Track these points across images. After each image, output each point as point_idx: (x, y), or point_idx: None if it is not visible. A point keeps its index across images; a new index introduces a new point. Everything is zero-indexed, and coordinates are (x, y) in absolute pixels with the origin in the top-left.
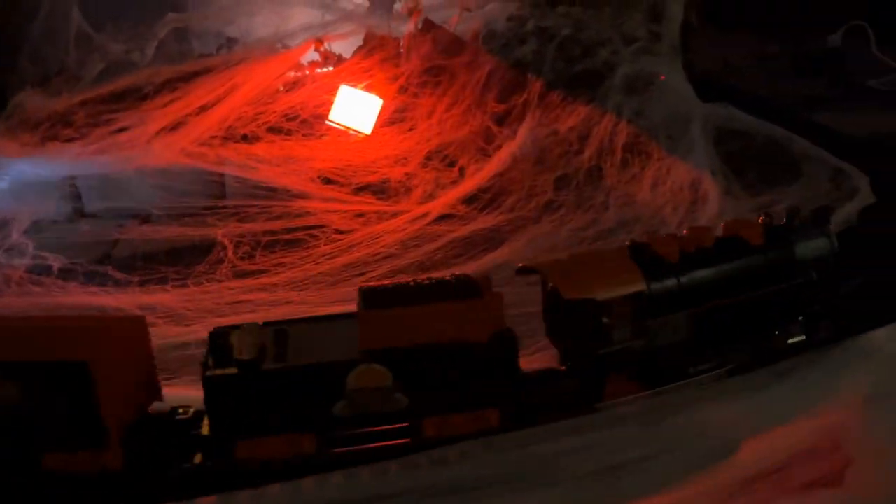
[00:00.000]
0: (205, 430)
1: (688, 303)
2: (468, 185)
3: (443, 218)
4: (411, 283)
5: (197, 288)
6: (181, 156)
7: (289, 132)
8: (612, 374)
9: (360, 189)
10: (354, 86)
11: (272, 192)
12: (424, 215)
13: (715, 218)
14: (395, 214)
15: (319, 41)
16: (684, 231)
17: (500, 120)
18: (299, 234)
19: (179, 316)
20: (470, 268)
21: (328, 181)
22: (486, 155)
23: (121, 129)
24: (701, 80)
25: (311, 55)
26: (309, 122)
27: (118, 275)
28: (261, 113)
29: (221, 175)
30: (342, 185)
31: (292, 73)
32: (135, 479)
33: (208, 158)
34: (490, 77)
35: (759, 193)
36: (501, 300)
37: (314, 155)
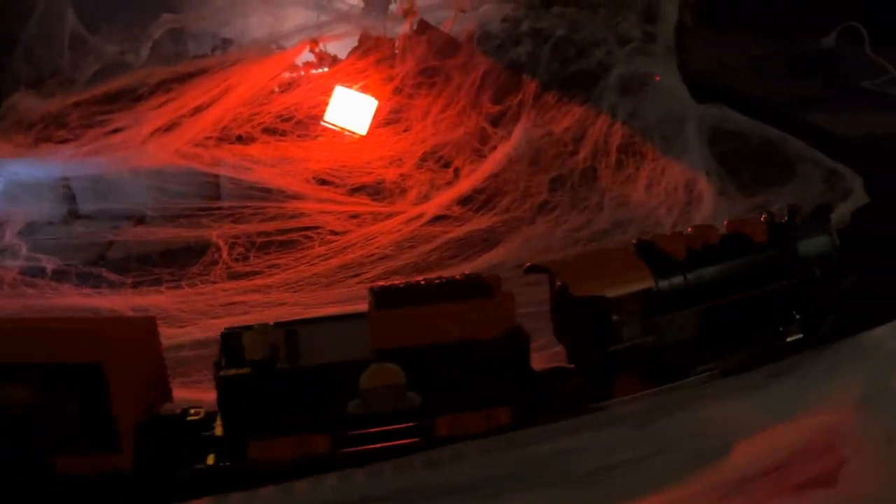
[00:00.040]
0: (218, 430)
1: (695, 300)
2: (463, 186)
3: (438, 219)
4: (422, 283)
5: (191, 289)
6: (176, 157)
7: (284, 133)
8: (619, 372)
9: (355, 190)
10: (349, 87)
11: (267, 193)
12: (419, 216)
13: (709, 218)
14: (390, 215)
15: (314, 42)
16: (689, 229)
17: (495, 121)
18: (294, 236)
19: (173, 318)
20: (465, 269)
21: (323, 182)
22: (481, 156)
23: (115, 131)
24: (695, 80)
25: (307, 56)
26: (304, 122)
27: (112, 276)
28: (256, 114)
29: (216, 176)
30: (337, 186)
31: (287, 74)
32: (147, 481)
33: (203, 159)
34: (485, 78)
35: (754, 194)
36: (513, 299)
37: (309, 156)
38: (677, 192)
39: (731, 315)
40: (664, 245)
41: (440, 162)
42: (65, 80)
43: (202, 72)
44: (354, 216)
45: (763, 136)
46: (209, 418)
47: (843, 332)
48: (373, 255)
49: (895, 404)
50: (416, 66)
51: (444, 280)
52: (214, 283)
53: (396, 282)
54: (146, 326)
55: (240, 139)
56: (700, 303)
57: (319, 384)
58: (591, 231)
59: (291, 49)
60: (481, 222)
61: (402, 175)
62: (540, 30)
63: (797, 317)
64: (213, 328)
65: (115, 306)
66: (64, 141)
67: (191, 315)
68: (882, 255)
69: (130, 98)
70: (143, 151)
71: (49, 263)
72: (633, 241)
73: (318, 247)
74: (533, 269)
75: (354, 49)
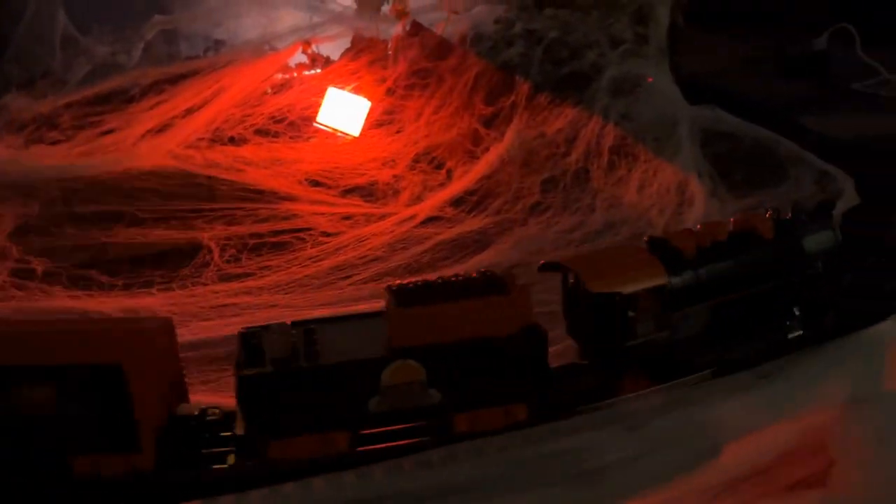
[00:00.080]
0: (238, 430)
1: (706, 295)
2: (455, 188)
3: (430, 220)
4: (438, 281)
5: (182, 291)
6: (168, 158)
7: (276, 134)
8: (630, 369)
9: (348, 191)
10: (342, 88)
11: (259, 194)
12: (412, 218)
13: (701, 220)
14: (382, 217)
15: (307, 43)
16: (698, 226)
17: (488, 122)
18: (286, 237)
19: None
20: (457, 270)
21: (315, 183)
22: (473, 157)
23: (107, 132)
24: (688, 82)
25: (299, 57)
26: (296, 124)
27: (103, 278)
28: (248, 115)
29: (208, 177)
30: (329, 188)
31: (280, 76)
32: (168, 481)
33: (195, 161)
34: (477, 79)
35: (746, 195)
36: (529, 295)
37: (301, 157)
38: (669, 193)
39: (738, 311)
40: (676, 242)
41: (433, 163)
42: (56, 81)
43: (194, 73)
44: (347, 217)
45: (755, 137)
46: (228, 418)
47: (840, 330)
48: (365, 256)
49: (885, 405)
50: (409, 67)
51: (460, 277)
52: (206, 285)
53: (413, 280)
54: (164, 327)
55: (232, 140)
56: (710, 299)
57: (340, 382)
58: (584, 232)
59: (284, 50)
60: (473, 223)
61: (394, 176)
62: (532, 31)
63: (797, 313)
64: (204, 330)
65: (105, 309)
66: (55, 142)
67: (182, 317)
68: (872, 256)
69: (122, 99)
70: (134, 153)
71: (39, 266)
72: (645, 238)
73: (311, 248)
74: (546, 267)
75: (347, 50)
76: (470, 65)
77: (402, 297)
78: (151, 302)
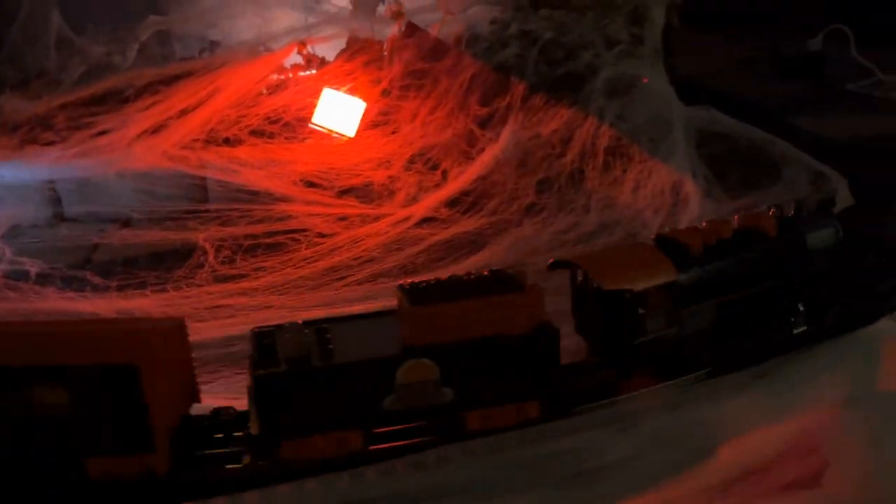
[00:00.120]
0: (252, 430)
1: (713, 292)
2: (451, 189)
3: (425, 221)
4: (450, 279)
5: (176, 293)
6: (163, 159)
7: (271, 135)
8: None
9: (343, 192)
10: (337, 89)
11: (254, 195)
12: (407, 219)
13: (696, 221)
14: (377, 218)
15: (302, 44)
16: (703, 223)
17: (483, 123)
18: (281, 238)
19: None
20: (452, 271)
21: (311, 184)
22: (468, 158)
23: (101, 133)
24: (683, 83)
25: (294, 58)
26: (292, 125)
27: (96, 280)
28: (243, 116)
29: (203, 178)
30: (325, 189)
31: (275, 76)
32: (182, 482)
33: (190, 162)
34: (473, 80)
35: (741, 196)
36: (542, 292)
37: (297, 158)
38: (664, 194)
39: (744, 307)
40: (683, 239)
41: (428, 164)
42: (51, 81)
43: (189, 74)
44: (342, 218)
45: (750, 138)
46: (241, 418)
47: (836, 330)
48: (360, 257)
49: (878, 405)
50: (405, 68)
51: (471, 275)
52: (200, 286)
53: (425, 279)
54: (177, 327)
55: (227, 141)
56: (718, 295)
57: (354, 381)
58: (578, 233)
59: (279, 51)
60: (468, 224)
61: (390, 177)
62: (528, 32)
63: (801, 309)
64: (198, 332)
65: (98, 310)
66: (50, 143)
67: None
68: (866, 257)
69: (117, 100)
70: (129, 154)
71: (33, 267)
72: (652, 236)
73: (305, 249)
74: (556, 265)
75: (342, 51)
76: (465, 66)
77: (415, 295)
78: (145, 303)
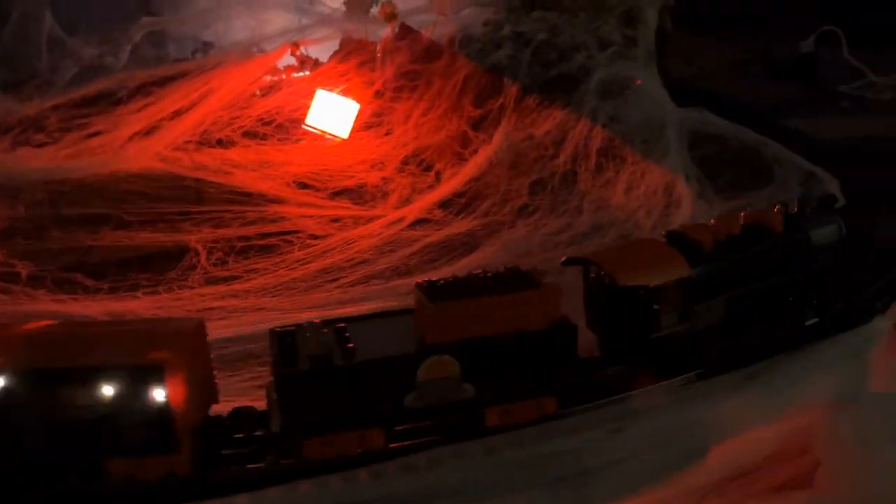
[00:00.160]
0: (273, 429)
1: (725, 287)
2: (444, 190)
3: (418, 223)
4: (467, 277)
5: (168, 295)
6: (156, 161)
7: (264, 137)
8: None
9: (336, 194)
10: (331, 90)
11: (247, 197)
12: (400, 220)
13: (688, 221)
14: (370, 219)
15: (296, 45)
16: (712, 220)
17: (477, 124)
18: (273, 240)
19: None
20: (445, 273)
21: (304, 186)
22: (462, 159)
23: (94, 134)
24: (676, 84)
25: (288, 59)
26: (285, 126)
27: (88, 281)
28: (236, 117)
29: (196, 180)
30: (318, 190)
31: (268, 78)
32: (205, 482)
33: (183, 163)
34: (466, 82)
35: (733, 197)
36: (559, 289)
37: (290, 159)
38: (657, 195)
39: (753, 302)
40: (694, 235)
41: (422, 165)
42: (43, 82)
43: (182, 75)
44: (335, 220)
45: (742, 139)
46: (262, 418)
47: (827, 330)
48: (352, 259)
49: (869, 406)
50: (398, 69)
51: (488, 273)
52: (192, 287)
53: (444, 278)
54: (197, 328)
55: (220, 143)
56: (729, 290)
57: (376, 379)
58: (571, 234)
59: (272, 52)
60: (461, 226)
61: (383, 178)
62: (521, 34)
63: (814, 302)
64: None
65: (89, 312)
66: (42, 144)
67: None
68: (859, 257)
69: (110, 101)
70: (122, 155)
71: (24, 269)
72: (663, 232)
73: (298, 251)
74: (570, 262)
75: (336, 53)
76: (458, 67)
77: (434, 293)
78: (137, 305)
